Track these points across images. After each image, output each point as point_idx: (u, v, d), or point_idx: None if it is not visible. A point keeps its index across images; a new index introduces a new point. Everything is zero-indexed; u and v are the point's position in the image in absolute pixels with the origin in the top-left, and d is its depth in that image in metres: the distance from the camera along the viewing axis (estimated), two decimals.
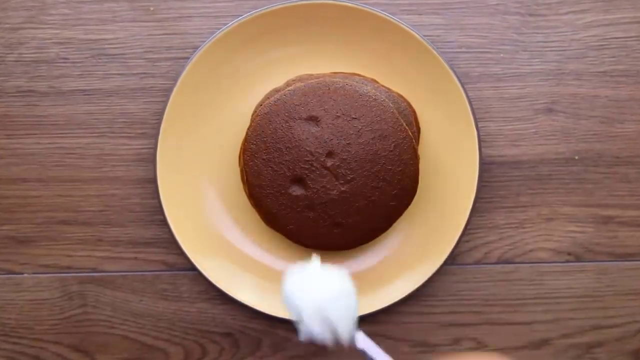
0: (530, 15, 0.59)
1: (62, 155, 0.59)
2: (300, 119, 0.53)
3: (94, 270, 0.59)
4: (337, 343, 0.45)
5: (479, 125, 0.58)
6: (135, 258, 0.59)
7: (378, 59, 0.58)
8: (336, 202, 0.53)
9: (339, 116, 0.53)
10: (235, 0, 0.59)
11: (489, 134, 0.59)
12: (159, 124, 0.56)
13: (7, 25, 0.59)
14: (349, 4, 0.56)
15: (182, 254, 0.57)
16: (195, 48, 0.58)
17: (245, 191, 0.56)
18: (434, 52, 0.56)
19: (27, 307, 0.59)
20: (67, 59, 0.59)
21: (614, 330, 0.59)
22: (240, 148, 0.56)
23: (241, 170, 0.56)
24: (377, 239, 0.57)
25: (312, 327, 0.44)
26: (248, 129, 0.55)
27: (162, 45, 0.59)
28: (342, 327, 0.44)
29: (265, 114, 0.54)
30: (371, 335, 0.59)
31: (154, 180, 0.57)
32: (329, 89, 0.54)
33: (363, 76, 0.57)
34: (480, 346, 0.60)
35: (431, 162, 0.58)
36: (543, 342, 0.60)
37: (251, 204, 0.56)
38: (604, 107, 0.59)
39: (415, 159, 0.54)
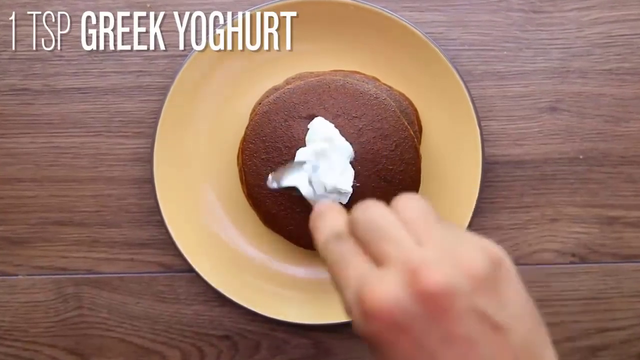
0: (534, 12, 0.58)
1: (57, 154, 0.58)
2: (299, 117, 0.53)
3: (90, 271, 0.59)
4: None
5: (482, 124, 0.57)
6: (132, 259, 0.59)
7: (379, 56, 0.57)
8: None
9: (339, 115, 0.53)
10: None
11: (492, 133, 0.58)
12: (155, 122, 0.56)
13: (1, 22, 0.58)
14: (350, 1, 0.55)
15: (179, 255, 0.56)
16: None
17: (244, 191, 0.56)
18: (436, 49, 0.55)
19: (22, 309, 0.59)
20: (62, 57, 0.58)
21: (620, 332, 0.59)
22: (239, 147, 0.56)
23: (240, 170, 0.56)
24: None
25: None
26: (247, 127, 0.54)
27: (159, 42, 0.58)
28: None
29: (264, 112, 0.53)
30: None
31: (150, 180, 0.56)
32: (329, 87, 0.53)
33: (364, 74, 0.56)
34: None
35: (433, 162, 0.57)
36: None
37: (250, 204, 0.56)
38: (609, 106, 0.58)
39: (416, 158, 0.54)
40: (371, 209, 0.34)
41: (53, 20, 0.58)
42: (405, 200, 0.34)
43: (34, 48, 0.58)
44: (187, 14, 0.58)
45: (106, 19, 0.58)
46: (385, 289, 0.31)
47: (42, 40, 0.58)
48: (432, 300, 0.30)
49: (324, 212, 0.36)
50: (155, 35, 0.58)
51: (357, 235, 0.34)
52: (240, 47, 0.57)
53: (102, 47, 0.58)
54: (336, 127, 0.52)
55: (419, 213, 0.34)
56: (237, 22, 0.56)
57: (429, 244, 0.32)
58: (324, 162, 0.50)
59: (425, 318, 0.30)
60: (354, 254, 0.33)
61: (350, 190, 0.51)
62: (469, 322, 0.30)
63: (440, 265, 0.30)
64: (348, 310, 0.33)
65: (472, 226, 0.57)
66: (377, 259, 0.33)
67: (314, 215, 0.37)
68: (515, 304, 0.31)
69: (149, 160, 0.57)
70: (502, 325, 0.30)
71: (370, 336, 0.31)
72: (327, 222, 0.36)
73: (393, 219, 0.33)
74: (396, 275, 0.31)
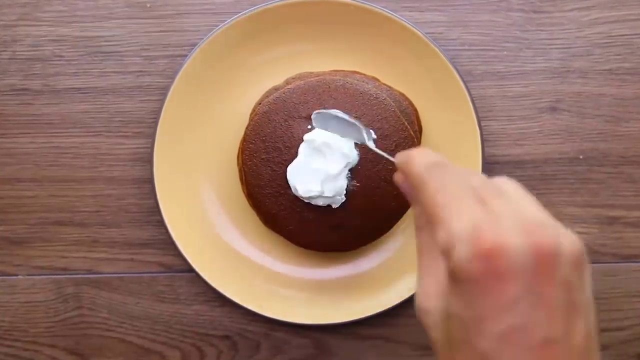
0: (534, 12, 0.58)
1: (57, 154, 0.58)
2: (299, 117, 0.53)
3: (90, 271, 0.59)
4: None
5: (482, 124, 0.57)
6: (132, 259, 0.59)
7: (379, 56, 0.57)
8: None
9: None
10: None
11: (492, 133, 0.58)
12: (155, 122, 0.56)
13: (1, 22, 0.58)
14: (350, 1, 0.55)
15: (179, 255, 0.56)
16: (193, 45, 0.58)
17: (244, 191, 0.56)
18: (436, 49, 0.55)
19: (22, 310, 0.59)
20: (62, 57, 0.58)
21: (620, 333, 0.59)
22: (239, 147, 0.56)
23: (240, 170, 0.56)
24: (378, 240, 0.57)
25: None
26: (247, 127, 0.54)
27: (159, 42, 0.58)
28: None
29: (264, 112, 0.53)
30: (372, 337, 0.58)
31: (150, 180, 0.56)
32: (329, 87, 0.53)
33: (364, 74, 0.56)
34: None
35: None
36: None
37: (250, 204, 0.56)
38: (609, 106, 0.58)
39: None
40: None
41: (53, 20, 0.58)
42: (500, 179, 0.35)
43: (34, 48, 0.58)
44: (187, 14, 0.58)
45: (106, 19, 0.58)
46: (507, 232, 0.31)
47: (42, 40, 0.58)
48: (543, 258, 0.31)
49: (419, 150, 0.36)
50: (156, 36, 0.58)
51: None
52: (240, 47, 0.57)
53: (102, 47, 0.58)
54: None
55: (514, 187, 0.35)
56: (237, 22, 0.56)
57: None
58: (319, 157, 0.50)
59: (529, 273, 0.30)
60: (465, 187, 0.33)
61: (338, 201, 0.51)
62: (559, 289, 0.31)
63: (553, 228, 0.31)
64: (447, 244, 0.32)
65: None
66: (489, 205, 0.33)
67: (405, 153, 0.37)
68: (589, 293, 0.32)
69: (149, 160, 0.57)
70: (579, 305, 0.31)
71: (469, 275, 0.31)
72: (428, 153, 0.36)
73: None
74: (516, 223, 0.31)
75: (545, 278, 0.30)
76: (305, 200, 0.51)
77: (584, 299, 0.32)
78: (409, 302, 0.57)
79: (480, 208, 0.32)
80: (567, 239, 0.31)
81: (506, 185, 0.35)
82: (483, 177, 0.35)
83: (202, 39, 0.56)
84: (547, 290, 0.30)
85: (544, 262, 0.30)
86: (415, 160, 0.36)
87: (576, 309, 0.31)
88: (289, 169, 0.51)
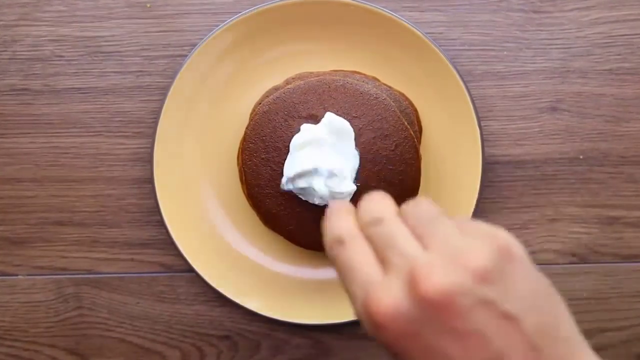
0: (534, 12, 0.58)
1: (57, 154, 0.58)
2: (299, 117, 0.53)
3: (90, 271, 0.59)
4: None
5: (482, 124, 0.57)
6: (132, 259, 0.59)
7: (379, 56, 0.57)
8: None
9: (339, 115, 0.52)
10: None
11: (492, 133, 0.58)
12: (155, 122, 0.56)
13: (1, 23, 0.58)
14: (350, 1, 0.55)
15: (179, 255, 0.56)
16: (193, 45, 0.58)
17: (244, 191, 0.56)
18: (436, 49, 0.55)
19: (22, 310, 0.59)
20: (62, 57, 0.58)
21: (620, 333, 0.59)
22: (239, 147, 0.56)
23: (240, 170, 0.56)
24: None
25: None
26: (247, 127, 0.54)
27: (159, 42, 0.58)
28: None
29: (264, 112, 0.53)
30: (372, 338, 0.58)
31: (150, 180, 0.56)
32: (329, 87, 0.53)
33: (364, 74, 0.56)
34: None
35: (433, 162, 0.57)
36: None
37: (250, 204, 0.56)
38: (609, 106, 0.58)
39: (416, 158, 0.54)
40: (377, 209, 0.35)
41: (53, 20, 0.58)
42: (411, 205, 0.35)
43: (34, 48, 0.58)
44: (187, 14, 0.58)
45: (106, 19, 0.58)
46: (388, 299, 0.31)
47: (42, 40, 0.58)
48: (434, 304, 0.30)
49: (329, 214, 0.37)
50: (156, 35, 0.58)
51: (364, 231, 0.35)
52: (240, 47, 0.57)
53: (102, 47, 0.58)
54: None
55: (424, 215, 0.34)
56: (237, 22, 0.56)
57: (433, 246, 0.32)
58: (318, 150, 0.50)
59: (432, 321, 0.31)
60: (357, 260, 0.34)
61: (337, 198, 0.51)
62: (476, 316, 0.30)
63: (441, 267, 0.31)
64: (359, 319, 0.34)
65: None
66: (382, 261, 0.33)
67: (324, 218, 0.37)
68: (524, 290, 0.32)
69: (149, 160, 0.57)
70: (513, 313, 0.31)
71: (384, 344, 0.32)
72: (332, 224, 0.36)
73: (399, 224, 0.34)
74: (399, 282, 0.32)
75: (450, 317, 0.30)
76: (304, 199, 0.51)
77: (518, 301, 0.31)
78: None
79: (372, 277, 0.33)
80: (463, 264, 0.31)
81: (414, 212, 0.34)
82: (386, 220, 0.34)
83: (202, 39, 0.56)
84: (463, 325, 0.30)
85: (437, 307, 0.30)
86: (325, 236, 0.36)
87: (511, 317, 0.31)
88: (284, 167, 0.51)
